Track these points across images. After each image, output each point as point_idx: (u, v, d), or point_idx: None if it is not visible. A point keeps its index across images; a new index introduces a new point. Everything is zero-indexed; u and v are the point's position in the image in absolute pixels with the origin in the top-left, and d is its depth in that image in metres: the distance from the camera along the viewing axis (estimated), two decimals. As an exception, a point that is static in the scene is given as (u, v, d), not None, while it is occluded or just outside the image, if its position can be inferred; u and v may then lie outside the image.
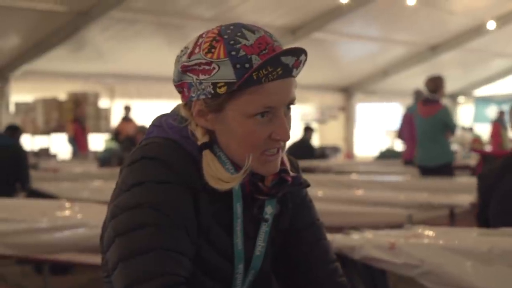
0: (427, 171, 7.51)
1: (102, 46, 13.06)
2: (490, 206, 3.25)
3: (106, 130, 13.72)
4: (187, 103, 1.54)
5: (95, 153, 12.69)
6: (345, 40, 15.93)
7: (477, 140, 15.20)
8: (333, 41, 15.77)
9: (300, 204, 1.69)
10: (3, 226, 4.05)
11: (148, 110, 14.53)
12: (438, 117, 7.42)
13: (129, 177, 1.49)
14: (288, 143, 1.59)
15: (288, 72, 1.48)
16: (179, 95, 1.56)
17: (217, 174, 1.49)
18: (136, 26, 12.57)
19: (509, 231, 3.04)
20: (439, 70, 12.16)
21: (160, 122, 1.58)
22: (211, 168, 1.50)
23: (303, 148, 11.43)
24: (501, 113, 15.27)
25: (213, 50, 1.47)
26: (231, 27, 1.50)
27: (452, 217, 5.26)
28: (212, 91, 1.48)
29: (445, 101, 9.90)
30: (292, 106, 1.53)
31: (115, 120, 14.00)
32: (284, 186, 1.58)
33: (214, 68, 1.46)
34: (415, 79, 13.73)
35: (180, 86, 1.54)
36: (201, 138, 1.53)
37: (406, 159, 9.16)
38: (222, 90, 1.47)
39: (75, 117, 12.70)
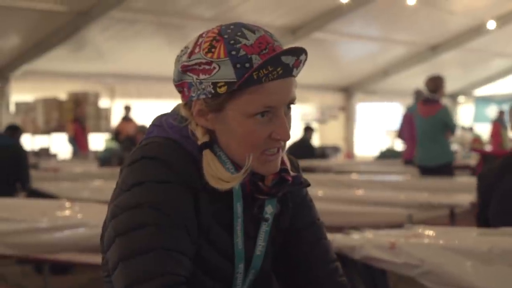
0: (427, 171, 7.51)
1: (102, 46, 13.06)
2: (490, 206, 3.25)
3: (106, 130, 13.72)
4: (187, 103, 1.54)
5: (95, 153, 12.69)
6: (345, 40, 15.93)
7: (477, 140, 15.20)
8: (333, 41, 15.77)
9: (300, 203, 1.69)
10: (3, 226, 4.05)
11: (148, 110, 14.52)
12: (438, 117, 7.42)
13: (129, 177, 1.49)
14: (288, 143, 1.59)
15: (288, 72, 1.48)
16: (179, 95, 1.56)
17: (217, 174, 1.49)
18: (136, 26, 12.57)
19: (509, 231, 3.04)
20: (439, 70, 12.15)
21: (160, 121, 1.58)
22: (211, 168, 1.50)
23: (303, 148, 11.43)
24: (501, 113, 15.27)
25: (213, 49, 1.47)
26: (231, 26, 1.50)
27: (452, 217, 5.26)
28: (212, 91, 1.48)
29: (445, 101, 9.91)
30: (292, 106, 1.54)
31: (115, 120, 14.00)
32: (285, 185, 1.58)
33: (214, 68, 1.47)
34: (415, 79, 13.73)
35: (180, 85, 1.54)
36: (201, 137, 1.53)
37: (406, 159, 9.16)
38: (222, 89, 1.47)
39: (75, 117, 12.70)
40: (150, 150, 1.50)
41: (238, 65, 1.45)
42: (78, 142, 12.45)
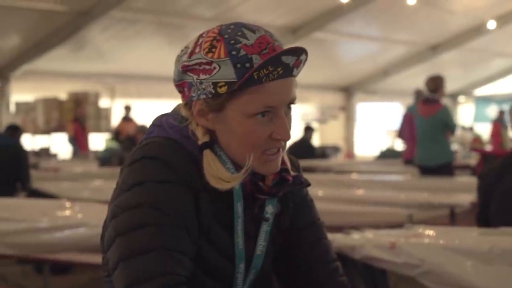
0: (427, 170, 7.51)
1: (103, 46, 13.06)
2: (491, 205, 3.25)
3: (107, 129, 13.72)
4: (188, 103, 1.54)
5: (96, 152, 12.69)
6: (345, 39, 15.93)
7: (477, 139, 15.20)
8: (333, 41, 15.77)
9: (300, 203, 1.69)
10: (3, 226, 4.05)
11: (148, 109, 14.52)
12: (438, 117, 7.42)
13: (129, 177, 1.49)
14: (289, 143, 1.59)
15: (289, 72, 1.48)
16: (179, 95, 1.56)
17: (218, 174, 1.49)
18: (137, 26, 12.57)
19: (509, 231, 3.04)
20: (440, 70, 12.15)
21: (161, 121, 1.58)
22: (212, 168, 1.50)
23: (304, 148, 11.43)
24: (501, 113, 15.27)
25: (213, 49, 1.47)
26: (232, 26, 1.50)
27: (453, 217, 5.26)
28: (213, 91, 1.48)
29: (445, 101, 9.91)
30: (292, 106, 1.53)
31: (115, 120, 14.00)
32: (285, 185, 1.58)
33: (214, 68, 1.46)
34: (416, 78, 13.73)
35: (181, 85, 1.54)
36: (202, 137, 1.53)
37: (407, 158, 9.15)
38: (223, 89, 1.47)
39: (76, 116, 12.70)
40: (150, 150, 1.50)
41: (239, 65, 1.45)
42: (78, 142, 12.45)
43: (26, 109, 13.43)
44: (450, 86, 10.02)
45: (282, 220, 1.65)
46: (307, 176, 1.66)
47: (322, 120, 18.74)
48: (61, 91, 13.65)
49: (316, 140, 15.93)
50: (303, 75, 1.62)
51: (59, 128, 13.14)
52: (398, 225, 3.89)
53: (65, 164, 10.58)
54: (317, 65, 15.22)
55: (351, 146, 18.89)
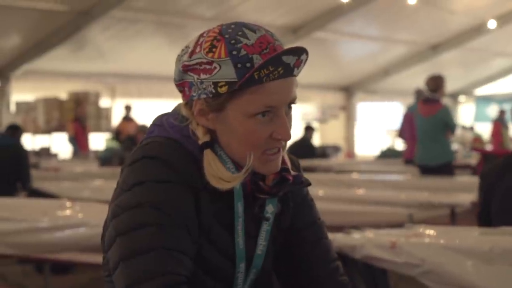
0: (427, 170, 7.51)
1: (103, 45, 13.06)
2: (492, 205, 3.25)
3: (107, 129, 13.73)
4: (188, 102, 1.54)
5: (96, 152, 12.69)
6: (346, 39, 15.94)
7: (477, 139, 15.21)
8: (334, 41, 15.77)
9: (301, 203, 1.70)
10: (4, 226, 4.04)
11: (149, 109, 14.53)
12: (438, 117, 7.42)
13: (130, 177, 1.49)
14: (289, 142, 1.59)
15: (289, 72, 1.48)
16: (180, 95, 1.56)
17: (218, 174, 1.49)
18: (137, 25, 12.57)
19: (510, 230, 3.04)
20: (440, 69, 12.16)
21: (161, 121, 1.58)
22: (212, 168, 1.50)
23: (304, 147, 11.43)
24: (501, 112, 15.28)
25: (214, 49, 1.47)
26: (232, 26, 1.50)
27: (453, 216, 5.26)
28: (213, 91, 1.48)
29: (445, 100, 9.92)
30: (293, 105, 1.53)
31: (116, 120, 14.00)
32: (285, 185, 1.58)
33: (215, 68, 1.46)
34: (416, 78, 13.73)
35: (181, 85, 1.54)
36: (202, 137, 1.53)
37: (407, 158, 9.15)
38: (223, 89, 1.47)
39: (76, 116, 12.71)
40: (151, 150, 1.50)
41: (239, 65, 1.45)
42: (79, 142, 12.45)
43: (27, 108, 13.44)
44: (450, 85, 10.02)
45: (282, 220, 1.65)
46: (307, 175, 1.66)
47: (322, 120, 18.73)
48: (62, 91, 13.65)
49: (316, 140, 15.93)
50: (304, 75, 1.62)
51: (59, 128, 13.15)
52: (398, 225, 3.88)
53: (65, 163, 10.59)
54: (318, 64, 15.22)
55: (351, 146, 18.89)
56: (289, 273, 1.70)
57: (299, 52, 1.46)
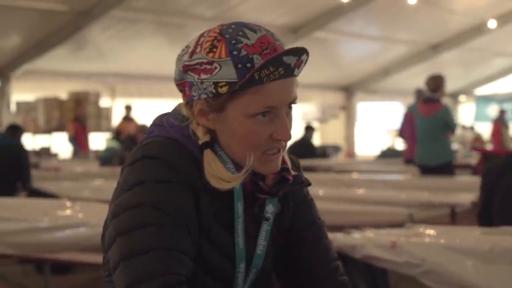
0: (427, 170, 7.51)
1: (103, 45, 13.06)
2: (493, 204, 3.25)
3: (107, 129, 13.73)
4: (188, 102, 1.54)
5: (96, 152, 12.70)
6: (346, 39, 15.94)
7: (478, 139, 15.22)
8: (334, 40, 15.77)
9: (301, 203, 1.69)
10: (4, 226, 4.04)
11: (149, 109, 14.52)
12: (438, 116, 7.42)
13: (130, 177, 1.49)
14: (289, 142, 1.59)
15: (290, 72, 1.48)
16: (180, 95, 1.56)
17: (218, 174, 1.49)
18: (137, 25, 12.57)
19: (510, 230, 3.04)
20: (440, 69, 12.15)
21: (161, 121, 1.58)
22: (212, 168, 1.50)
23: (304, 147, 11.42)
24: (502, 112, 15.29)
25: (214, 49, 1.47)
26: (233, 26, 1.50)
27: (453, 216, 5.26)
28: (214, 91, 1.48)
29: (446, 100, 9.91)
30: (293, 105, 1.53)
31: (116, 119, 14.00)
32: (285, 185, 1.58)
33: (215, 68, 1.46)
34: (416, 78, 13.73)
35: (182, 85, 1.54)
36: (202, 137, 1.52)
37: (407, 158, 9.15)
38: (224, 89, 1.47)
39: (76, 116, 12.71)
40: (151, 150, 1.50)
41: (240, 65, 1.45)
42: (79, 142, 12.45)
43: (27, 108, 13.43)
44: (450, 85, 10.02)
45: (282, 220, 1.65)
46: (307, 175, 1.66)
47: (322, 120, 18.73)
48: (62, 91, 13.65)
49: (316, 140, 15.93)
50: (304, 75, 1.62)
51: (59, 128, 13.15)
52: (398, 225, 3.88)
53: (65, 163, 10.59)
54: (318, 64, 15.22)
55: (351, 146, 18.89)
56: (289, 273, 1.70)
57: (300, 53, 1.46)
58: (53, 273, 5.36)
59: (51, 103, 13.27)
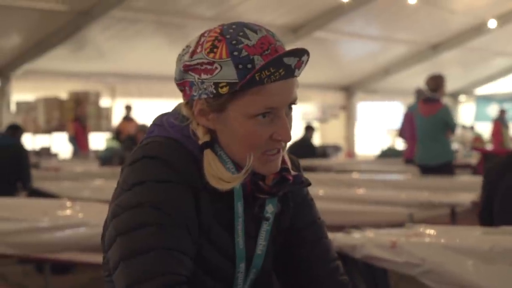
0: (427, 170, 7.51)
1: (103, 45, 13.06)
2: (493, 204, 3.25)
3: (107, 129, 13.72)
4: (189, 102, 1.54)
5: (96, 152, 12.69)
6: (346, 39, 15.93)
7: (478, 138, 15.22)
8: (334, 40, 15.77)
9: (301, 203, 1.69)
10: (4, 226, 4.04)
11: (149, 109, 14.52)
12: (438, 116, 7.42)
13: (130, 176, 1.49)
14: (289, 142, 1.59)
15: (290, 73, 1.48)
16: (180, 95, 1.56)
17: (218, 174, 1.49)
18: (137, 25, 12.57)
19: (510, 230, 3.04)
20: (440, 69, 12.14)
21: (161, 121, 1.58)
22: (212, 168, 1.50)
23: (304, 147, 11.42)
24: (502, 112, 15.29)
25: (215, 50, 1.47)
26: (233, 26, 1.50)
27: (453, 216, 5.26)
28: (214, 91, 1.48)
29: (446, 100, 9.91)
30: (293, 106, 1.53)
31: (116, 119, 14.00)
32: (285, 185, 1.58)
33: (216, 68, 1.46)
34: (416, 78, 13.73)
35: (182, 84, 1.54)
36: (202, 137, 1.52)
37: (407, 158, 9.15)
38: (224, 90, 1.47)
39: (76, 116, 12.71)
40: (151, 150, 1.50)
41: (240, 66, 1.45)
42: (79, 142, 12.45)
43: (27, 108, 13.43)
44: (450, 85, 10.02)
45: (282, 220, 1.65)
46: (307, 175, 1.66)
47: (322, 119, 18.73)
48: (62, 91, 13.65)
49: (316, 139, 15.93)
50: (304, 75, 1.62)
51: (59, 128, 13.15)
52: (398, 224, 3.88)
53: (65, 163, 10.59)
54: (318, 64, 15.22)
55: (351, 145, 18.89)
56: (289, 273, 1.70)
57: (300, 53, 1.46)
58: (53, 273, 5.36)
59: (51, 103, 13.27)
